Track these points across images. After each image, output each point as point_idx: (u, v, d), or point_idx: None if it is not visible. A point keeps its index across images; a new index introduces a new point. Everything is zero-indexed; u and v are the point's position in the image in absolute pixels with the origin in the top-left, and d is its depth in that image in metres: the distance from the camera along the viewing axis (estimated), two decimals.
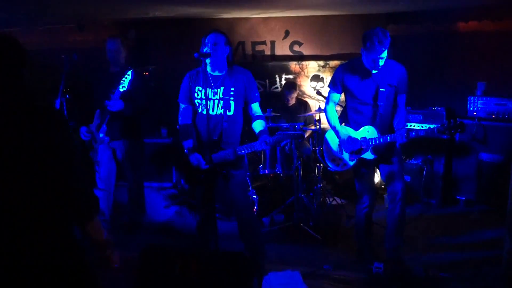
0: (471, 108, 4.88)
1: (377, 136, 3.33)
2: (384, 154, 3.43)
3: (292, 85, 5.58)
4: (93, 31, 6.25)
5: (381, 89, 3.30)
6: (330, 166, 3.65)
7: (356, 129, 3.45)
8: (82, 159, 1.82)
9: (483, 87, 4.92)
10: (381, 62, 3.21)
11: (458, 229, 4.35)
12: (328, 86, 3.59)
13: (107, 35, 4.19)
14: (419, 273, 3.28)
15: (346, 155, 3.50)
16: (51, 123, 1.72)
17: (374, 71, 3.29)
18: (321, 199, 4.97)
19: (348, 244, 4.06)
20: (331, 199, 5.08)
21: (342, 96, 3.60)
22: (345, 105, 3.62)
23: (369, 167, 3.54)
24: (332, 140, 3.62)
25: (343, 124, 3.57)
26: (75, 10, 5.20)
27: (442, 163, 4.92)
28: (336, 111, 3.61)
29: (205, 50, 3.18)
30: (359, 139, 3.39)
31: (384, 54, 3.16)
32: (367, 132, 3.38)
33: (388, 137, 3.26)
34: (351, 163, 3.48)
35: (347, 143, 3.42)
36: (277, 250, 3.94)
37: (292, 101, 5.53)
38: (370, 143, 3.34)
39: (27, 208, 1.66)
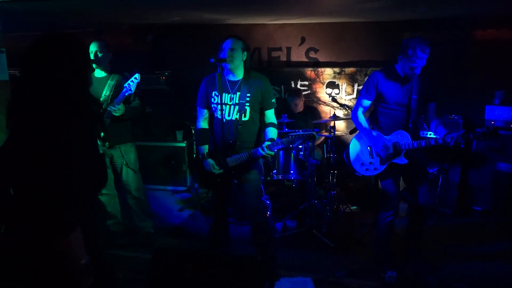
0: (488, 117, 4.82)
1: (410, 141, 3.33)
2: (415, 159, 3.44)
3: (294, 92, 5.56)
4: (111, 36, 6.36)
5: (413, 96, 3.34)
6: (358, 171, 3.59)
7: (387, 133, 3.46)
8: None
9: (501, 96, 4.85)
10: (418, 70, 3.24)
11: (473, 239, 4.29)
12: (360, 92, 3.60)
13: (124, 39, 4.12)
14: (432, 283, 3.25)
15: (377, 160, 3.47)
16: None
17: (409, 78, 3.33)
18: (335, 206, 4.95)
19: (361, 251, 4.05)
20: (344, 206, 5.06)
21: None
22: (373, 111, 3.62)
23: (398, 173, 3.52)
24: (362, 144, 3.58)
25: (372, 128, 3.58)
26: (95, 15, 5.30)
27: (458, 172, 4.86)
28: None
29: (221, 55, 3.21)
30: (393, 143, 3.40)
31: (424, 62, 3.19)
32: (399, 137, 3.39)
33: (423, 142, 3.26)
34: (382, 167, 3.46)
35: (380, 147, 3.40)
36: (289, 256, 3.93)
37: (298, 107, 5.50)
38: (404, 147, 3.35)
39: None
